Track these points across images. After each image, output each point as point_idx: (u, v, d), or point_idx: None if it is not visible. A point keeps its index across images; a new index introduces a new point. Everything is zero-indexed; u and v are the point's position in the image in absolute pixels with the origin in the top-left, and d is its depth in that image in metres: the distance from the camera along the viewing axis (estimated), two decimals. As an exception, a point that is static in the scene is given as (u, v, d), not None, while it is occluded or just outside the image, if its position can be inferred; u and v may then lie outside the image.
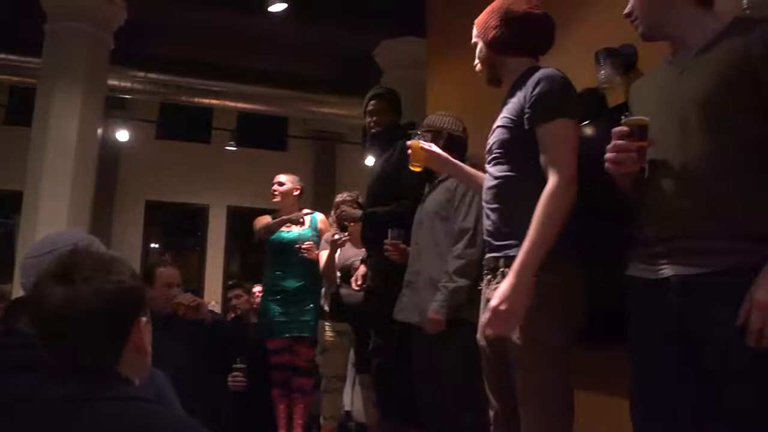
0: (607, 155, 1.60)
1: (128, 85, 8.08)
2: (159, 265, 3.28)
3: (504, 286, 1.79)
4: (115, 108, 8.73)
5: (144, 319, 1.18)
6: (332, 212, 4.21)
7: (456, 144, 2.78)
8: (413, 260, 2.83)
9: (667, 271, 1.56)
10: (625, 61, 2.37)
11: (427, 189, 2.91)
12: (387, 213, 3.12)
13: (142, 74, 8.05)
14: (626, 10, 1.73)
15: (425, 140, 2.37)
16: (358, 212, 3.37)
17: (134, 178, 9.93)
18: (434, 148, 2.35)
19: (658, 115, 1.61)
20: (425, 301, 2.67)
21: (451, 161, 2.33)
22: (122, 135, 9.33)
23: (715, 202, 1.50)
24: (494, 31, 1.99)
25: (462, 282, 2.50)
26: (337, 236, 3.99)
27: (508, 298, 1.77)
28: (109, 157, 9.05)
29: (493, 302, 1.80)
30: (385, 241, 2.96)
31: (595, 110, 2.34)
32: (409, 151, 2.34)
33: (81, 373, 1.09)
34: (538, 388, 1.84)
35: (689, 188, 1.54)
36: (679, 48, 1.68)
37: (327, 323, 4.23)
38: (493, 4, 2.04)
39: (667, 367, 1.58)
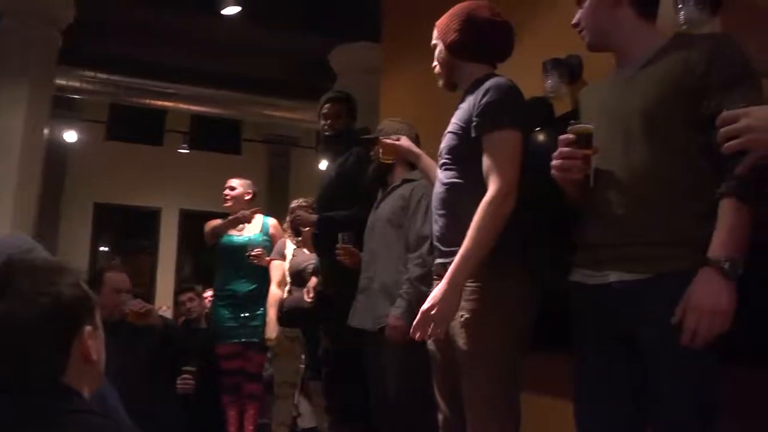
0: (553, 162, 1.64)
1: (77, 84, 7.91)
2: (107, 269, 3.22)
3: (436, 290, 1.83)
4: (63, 108, 8.52)
5: (89, 327, 1.14)
6: (287, 218, 4.20)
7: None
8: (366, 266, 2.83)
9: (610, 276, 1.61)
10: (570, 71, 2.43)
11: (380, 195, 2.92)
12: (345, 218, 3.10)
13: (91, 74, 7.89)
14: (574, 20, 1.77)
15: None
16: (314, 217, 3.34)
17: (83, 180, 9.70)
18: (404, 140, 2.54)
19: (602, 124, 1.65)
20: (379, 307, 2.67)
21: (416, 151, 2.52)
22: (70, 136, 9.12)
23: (656, 210, 1.56)
24: (455, 35, 2.01)
25: (424, 288, 2.46)
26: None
27: (439, 302, 1.80)
28: (57, 158, 8.82)
29: (425, 306, 1.83)
30: (337, 245, 2.97)
31: (544, 118, 2.38)
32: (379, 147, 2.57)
33: (23, 388, 1.06)
34: (485, 393, 1.86)
35: (632, 196, 1.59)
36: (623, 60, 1.73)
37: (278, 328, 4.21)
38: (456, 8, 2.05)
39: (609, 369, 1.63)
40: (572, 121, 1.66)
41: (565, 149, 1.61)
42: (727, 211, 1.44)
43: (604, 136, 1.64)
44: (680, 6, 1.92)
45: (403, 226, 2.70)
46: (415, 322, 1.86)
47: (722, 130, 1.24)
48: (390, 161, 2.62)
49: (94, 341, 1.14)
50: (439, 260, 2.02)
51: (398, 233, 2.71)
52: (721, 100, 1.46)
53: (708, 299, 1.40)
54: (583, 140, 1.60)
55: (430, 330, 1.82)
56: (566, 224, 1.79)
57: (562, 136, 1.62)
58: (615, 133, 1.64)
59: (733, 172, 1.40)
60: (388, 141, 2.55)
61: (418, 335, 1.86)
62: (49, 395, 1.07)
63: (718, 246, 1.43)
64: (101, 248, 10.46)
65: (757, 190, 1.41)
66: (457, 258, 1.82)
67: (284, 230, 4.34)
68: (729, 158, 1.36)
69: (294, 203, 4.10)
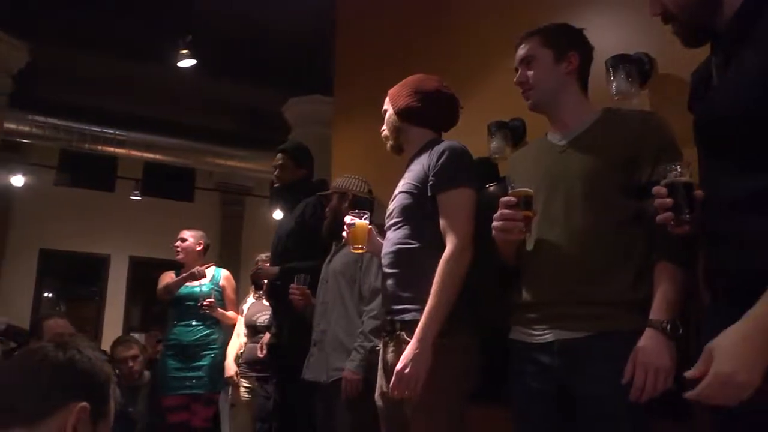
0: (495, 223, 1.70)
1: (27, 129, 7.79)
2: (46, 317, 3.16)
3: (408, 350, 1.86)
4: (11, 152, 8.37)
5: (84, 405, 1.12)
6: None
7: (361, 205, 2.84)
8: (319, 318, 2.84)
9: (548, 335, 1.68)
10: (514, 133, 2.54)
11: (333, 248, 2.95)
12: (309, 268, 3.08)
13: (42, 119, 7.79)
14: (519, 79, 1.85)
15: (365, 218, 2.26)
16: (275, 269, 3.31)
17: (29, 225, 9.46)
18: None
19: (542, 187, 1.75)
20: (332, 360, 2.68)
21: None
22: (17, 180, 8.94)
23: (594, 271, 1.65)
24: (405, 101, 2.13)
25: (378, 342, 2.46)
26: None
27: (411, 361, 1.84)
28: (2, 202, 8.64)
29: (398, 366, 1.86)
30: (292, 285, 2.95)
31: (489, 178, 2.47)
32: (349, 230, 2.24)
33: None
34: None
35: (571, 257, 1.68)
36: (558, 127, 1.84)
37: (241, 379, 4.21)
38: (407, 79, 2.19)
39: (546, 424, 1.69)
40: (512, 184, 1.74)
41: (506, 211, 1.67)
42: (662, 274, 1.56)
43: (544, 199, 1.74)
44: (612, 78, 2.06)
45: (356, 280, 2.73)
46: (391, 383, 1.89)
47: (657, 201, 1.34)
48: (361, 250, 2.28)
49: (80, 423, 1.13)
50: (387, 317, 2.06)
51: (351, 286, 2.74)
52: (651, 171, 1.60)
53: (652, 359, 1.49)
54: (523, 203, 1.67)
55: (406, 389, 1.85)
56: (509, 280, 1.86)
57: (503, 198, 1.69)
58: (556, 196, 1.73)
59: (665, 237, 1.50)
60: (370, 225, 2.28)
61: (396, 394, 1.89)
62: None
63: (657, 309, 1.54)
64: (46, 294, 10.16)
65: (686, 251, 1.52)
66: (424, 316, 1.86)
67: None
68: (660, 224, 1.46)
69: (260, 257, 4.15)
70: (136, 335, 6.22)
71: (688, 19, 1.33)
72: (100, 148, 8.19)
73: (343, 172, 3.16)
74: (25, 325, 5.63)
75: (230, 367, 4.26)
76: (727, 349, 1.05)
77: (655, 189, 1.38)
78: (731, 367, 1.03)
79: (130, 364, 4.04)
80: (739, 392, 1.04)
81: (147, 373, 4.24)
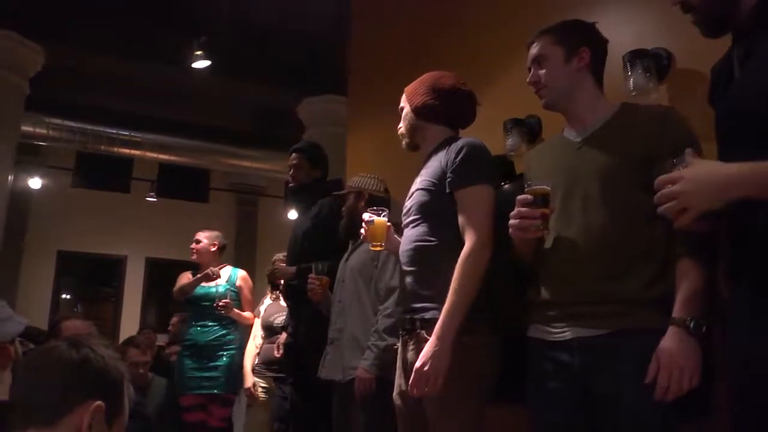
0: (512, 221, 1.68)
1: (44, 132, 7.87)
2: (64, 318, 3.18)
3: (427, 348, 1.85)
4: (29, 154, 8.45)
5: (99, 403, 1.13)
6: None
7: (377, 204, 2.83)
8: (336, 317, 2.84)
9: (567, 333, 1.67)
10: (530, 130, 2.52)
11: (350, 247, 2.95)
12: (327, 267, 3.06)
13: (58, 121, 7.87)
14: (531, 79, 1.84)
15: (383, 215, 2.24)
16: (292, 269, 3.31)
17: (46, 227, 9.56)
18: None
19: (559, 184, 1.73)
20: (348, 358, 2.68)
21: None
22: (35, 182, 9.03)
23: (612, 270, 1.63)
24: (422, 99, 2.12)
25: (392, 340, 2.48)
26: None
27: (430, 359, 1.83)
28: (20, 204, 8.72)
29: (417, 363, 1.85)
30: (310, 275, 2.94)
31: (506, 175, 2.45)
32: (367, 227, 2.23)
33: None
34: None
35: (589, 256, 1.66)
36: (575, 124, 1.82)
37: (257, 379, 4.22)
38: (424, 76, 2.17)
39: (565, 422, 1.67)
40: (529, 182, 1.73)
41: (523, 209, 1.66)
42: (684, 271, 1.52)
43: (561, 197, 1.72)
44: (629, 73, 2.03)
45: (372, 279, 2.73)
46: (410, 380, 1.88)
47: (659, 193, 1.29)
48: (380, 248, 2.26)
49: (96, 422, 1.13)
50: (406, 315, 2.05)
51: (368, 285, 2.73)
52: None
53: (677, 358, 1.46)
54: (541, 200, 1.66)
55: (426, 387, 1.84)
56: (526, 278, 1.84)
57: (519, 196, 1.68)
58: (573, 194, 1.71)
59: (685, 233, 1.47)
60: (388, 222, 2.26)
61: (415, 392, 1.88)
62: None
63: (681, 307, 1.50)
64: (63, 296, 10.26)
65: (708, 247, 1.48)
66: (443, 314, 1.85)
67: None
68: None
69: (277, 256, 4.16)
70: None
71: (708, 9, 1.31)
72: (115, 149, 8.26)
73: (358, 171, 3.16)
74: (43, 327, 5.68)
75: (248, 379, 4.23)
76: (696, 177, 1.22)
77: (658, 180, 1.31)
78: (690, 189, 1.22)
79: (141, 370, 4.06)
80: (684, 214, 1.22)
81: (149, 375, 4.26)
